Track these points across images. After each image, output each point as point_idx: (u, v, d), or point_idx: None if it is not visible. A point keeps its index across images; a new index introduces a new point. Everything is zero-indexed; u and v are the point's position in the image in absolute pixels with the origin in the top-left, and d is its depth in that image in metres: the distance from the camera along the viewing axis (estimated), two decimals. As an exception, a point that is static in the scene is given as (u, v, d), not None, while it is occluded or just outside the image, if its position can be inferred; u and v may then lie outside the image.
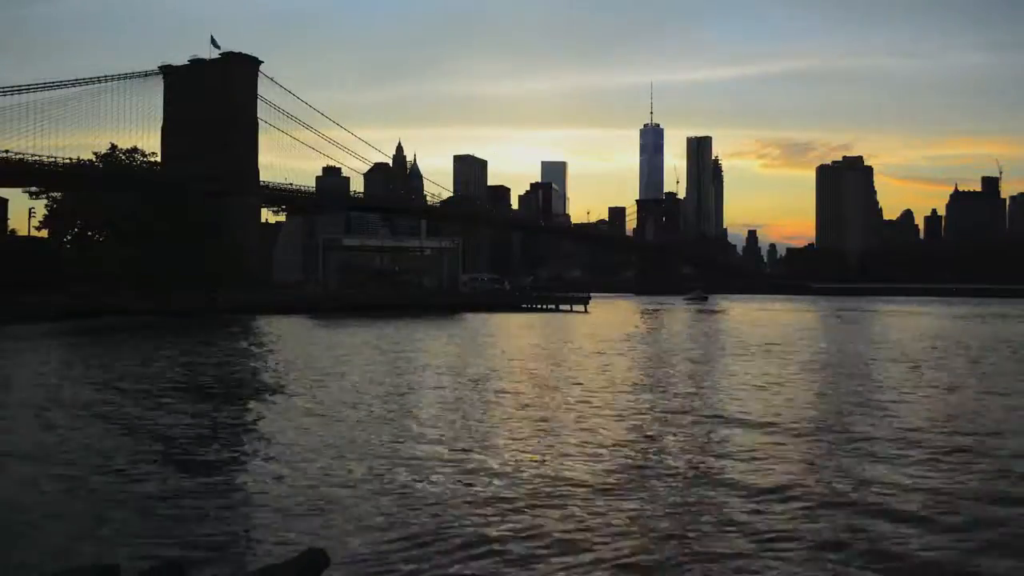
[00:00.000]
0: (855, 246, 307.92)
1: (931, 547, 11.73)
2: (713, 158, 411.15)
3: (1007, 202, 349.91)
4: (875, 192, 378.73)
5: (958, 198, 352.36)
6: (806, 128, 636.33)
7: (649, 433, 20.39)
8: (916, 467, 16.47)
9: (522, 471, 16.11)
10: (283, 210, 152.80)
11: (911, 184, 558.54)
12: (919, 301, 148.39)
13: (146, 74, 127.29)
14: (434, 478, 15.55)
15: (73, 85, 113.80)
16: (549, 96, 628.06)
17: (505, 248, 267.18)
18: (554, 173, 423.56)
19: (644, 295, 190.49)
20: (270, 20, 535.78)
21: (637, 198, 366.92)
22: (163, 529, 12.51)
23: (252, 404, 25.95)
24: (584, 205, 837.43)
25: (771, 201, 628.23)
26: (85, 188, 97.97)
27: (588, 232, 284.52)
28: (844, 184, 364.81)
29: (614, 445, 18.60)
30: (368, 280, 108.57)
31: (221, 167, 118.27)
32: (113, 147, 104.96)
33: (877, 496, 14.23)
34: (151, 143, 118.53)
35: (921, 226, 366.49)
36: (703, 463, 16.90)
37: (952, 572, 10.89)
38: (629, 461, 17.03)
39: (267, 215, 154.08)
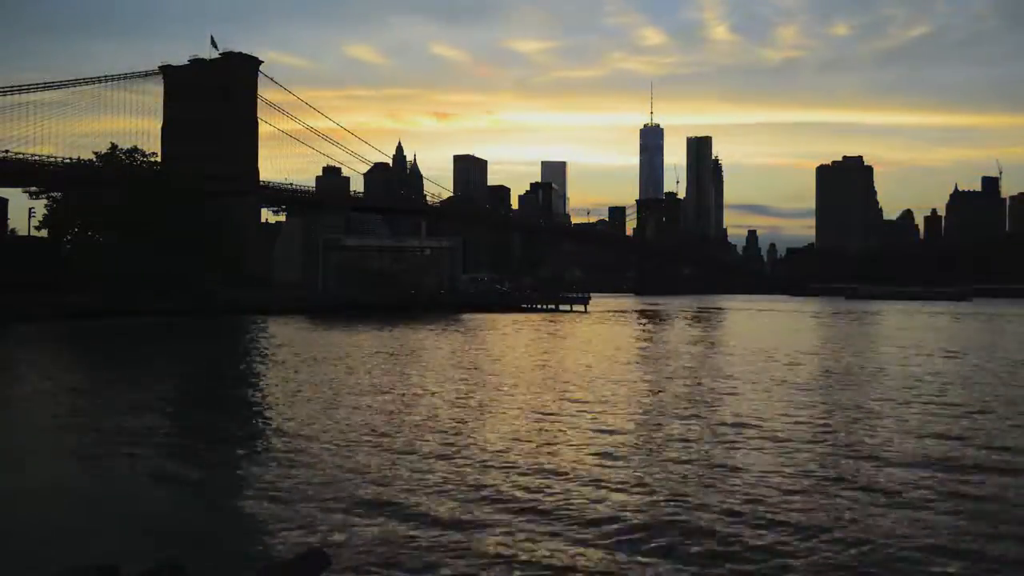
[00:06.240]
0: (855, 246, 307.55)
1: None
2: (713, 158, 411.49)
3: (1007, 202, 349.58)
4: (875, 192, 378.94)
5: (958, 198, 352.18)
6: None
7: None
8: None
9: (520, 473, 16.12)
10: (283, 210, 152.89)
11: (911, 184, 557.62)
12: (918, 301, 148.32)
13: (146, 74, 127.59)
14: (434, 479, 15.56)
15: (73, 85, 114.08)
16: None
17: (505, 248, 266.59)
18: (554, 173, 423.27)
19: (644, 295, 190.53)
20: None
21: (637, 198, 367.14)
22: (163, 529, 12.51)
23: (249, 406, 25.95)
24: (584, 205, 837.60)
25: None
26: (85, 188, 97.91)
27: (588, 232, 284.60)
28: (844, 184, 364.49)
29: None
30: (368, 280, 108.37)
31: (221, 167, 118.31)
32: (113, 147, 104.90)
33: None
34: (151, 143, 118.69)
35: (921, 226, 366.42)
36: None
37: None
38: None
39: (267, 215, 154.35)
